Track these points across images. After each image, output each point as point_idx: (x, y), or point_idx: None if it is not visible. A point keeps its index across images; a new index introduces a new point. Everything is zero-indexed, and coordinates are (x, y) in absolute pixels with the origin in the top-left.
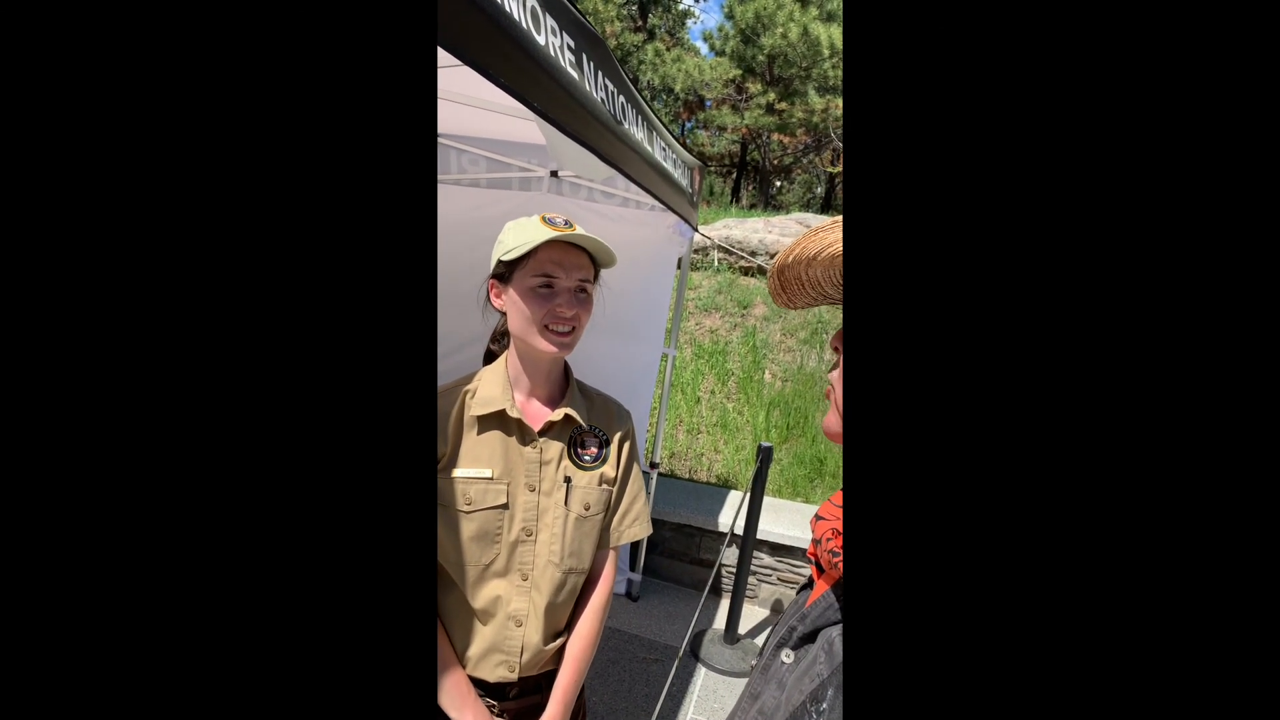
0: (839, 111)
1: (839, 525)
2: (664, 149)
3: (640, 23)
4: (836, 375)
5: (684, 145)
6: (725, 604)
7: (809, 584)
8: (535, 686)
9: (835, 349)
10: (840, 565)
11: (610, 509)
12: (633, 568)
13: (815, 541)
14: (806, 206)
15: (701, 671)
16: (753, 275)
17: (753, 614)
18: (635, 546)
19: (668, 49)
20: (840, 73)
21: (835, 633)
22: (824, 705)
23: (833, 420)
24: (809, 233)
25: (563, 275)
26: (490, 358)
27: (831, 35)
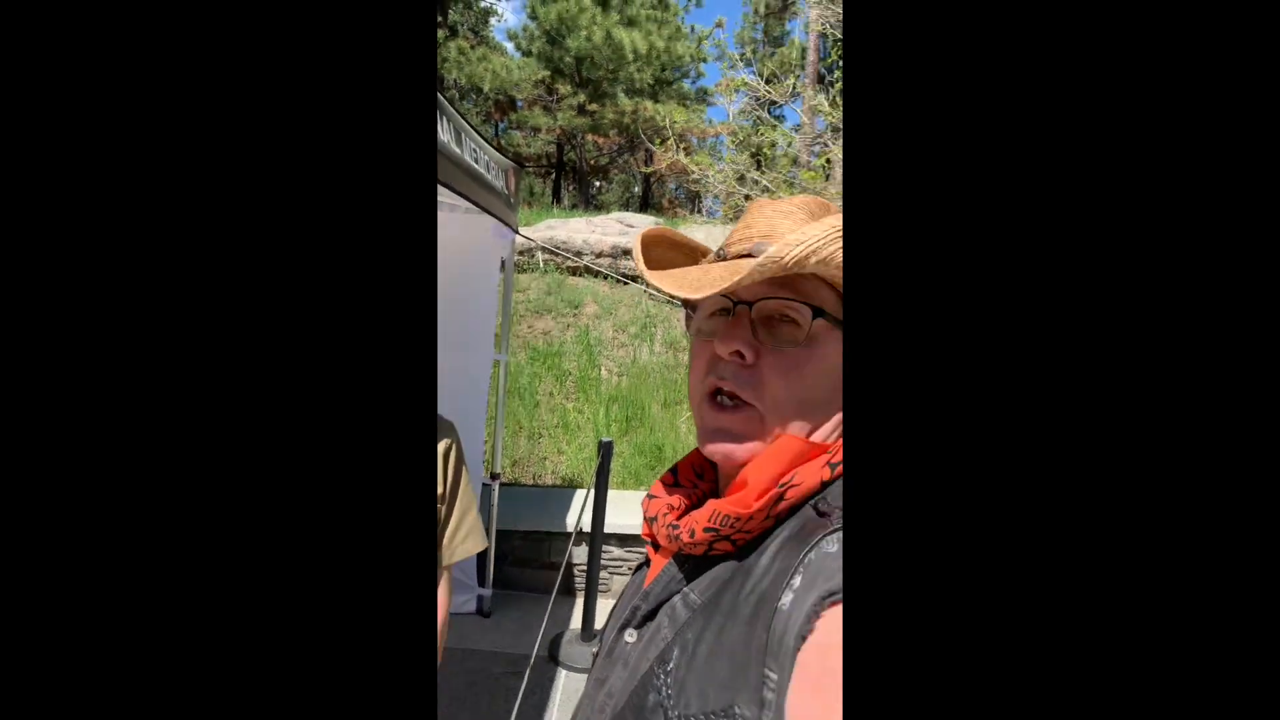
0: (648, 114)
1: (674, 501)
2: (474, 150)
3: (440, 19)
4: None
5: (498, 147)
6: (580, 603)
7: (644, 564)
8: None
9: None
10: (681, 537)
11: (441, 527)
12: (481, 583)
13: (650, 520)
14: (626, 206)
15: (562, 674)
16: (580, 275)
17: (607, 608)
18: (482, 560)
19: (472, 47)
20: (644, 76)
21: (677, 599)
22: (670, 665)
23: None
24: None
25: None
26: None
27: (634, 40)
